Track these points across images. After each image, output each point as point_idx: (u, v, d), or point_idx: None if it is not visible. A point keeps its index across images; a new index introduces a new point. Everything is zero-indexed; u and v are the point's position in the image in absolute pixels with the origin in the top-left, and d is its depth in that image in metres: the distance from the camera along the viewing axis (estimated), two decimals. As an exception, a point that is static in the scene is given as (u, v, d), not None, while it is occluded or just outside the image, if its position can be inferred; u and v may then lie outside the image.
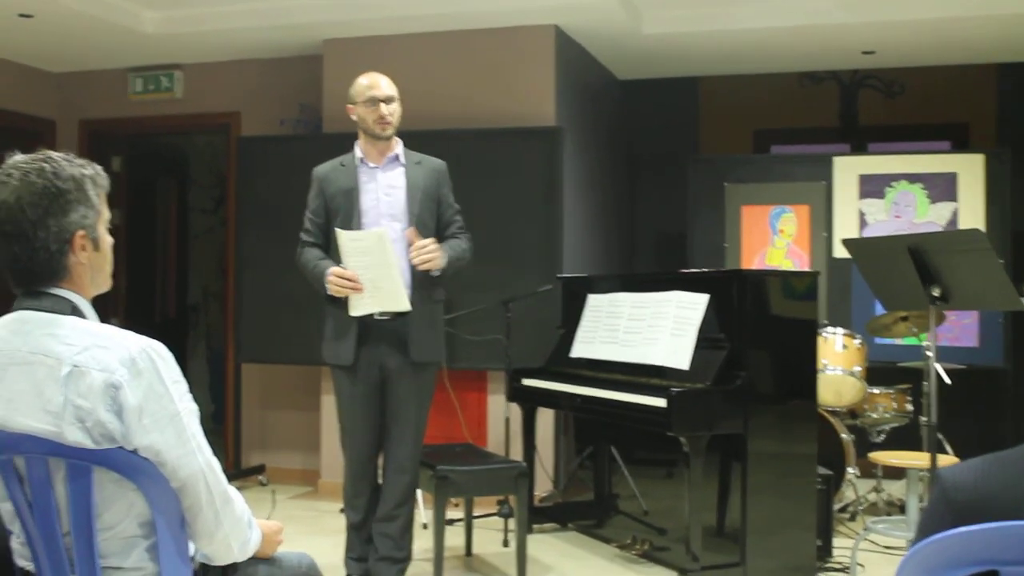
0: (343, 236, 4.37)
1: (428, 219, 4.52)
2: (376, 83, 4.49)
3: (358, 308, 4.38)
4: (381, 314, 4.41)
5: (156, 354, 2.08)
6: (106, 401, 2.01)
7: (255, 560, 2.36)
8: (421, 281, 4.43)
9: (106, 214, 2.22)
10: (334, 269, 4.38)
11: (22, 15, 6.45)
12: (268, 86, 7.54)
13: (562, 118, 6.63)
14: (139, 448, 2.04)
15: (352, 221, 4.46)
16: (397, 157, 4.56)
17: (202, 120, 7.85)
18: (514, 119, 6.53)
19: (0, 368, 2.09)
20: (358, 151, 4.57)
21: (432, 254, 4.36)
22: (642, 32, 6.79)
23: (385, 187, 4.51)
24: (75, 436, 2.02)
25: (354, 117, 4.53)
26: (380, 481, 4.63)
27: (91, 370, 2.02)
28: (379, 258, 4.28)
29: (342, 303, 4.44)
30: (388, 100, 4.46)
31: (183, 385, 2.12)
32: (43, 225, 2.09)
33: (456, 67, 6.74)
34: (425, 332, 4.47)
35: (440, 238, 4.53)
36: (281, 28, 6.80)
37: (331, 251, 4.49)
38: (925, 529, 1.59)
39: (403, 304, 4.35)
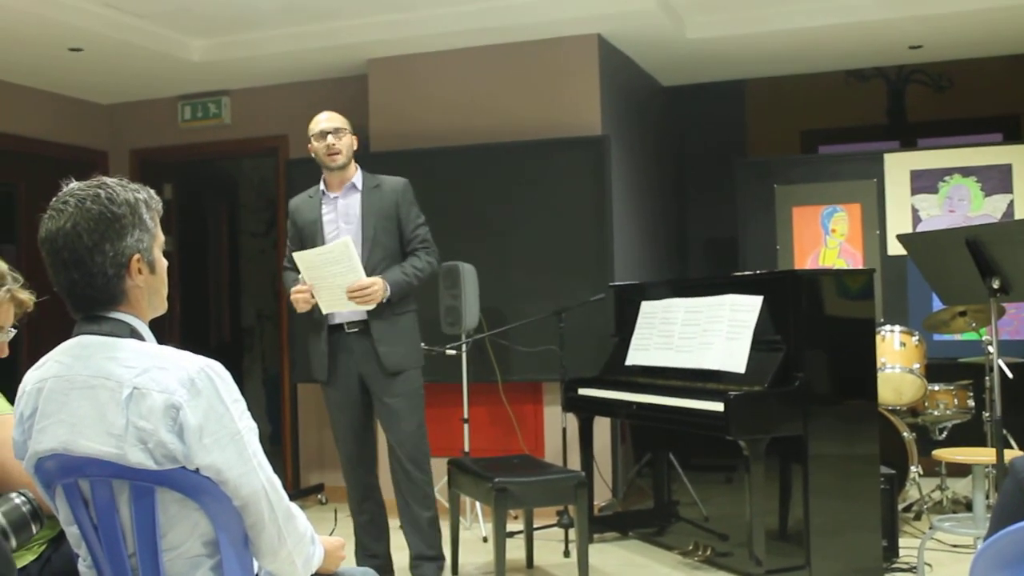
0: (307, 255, 4.67)
1: (386, 240, 4.77)
2: (321, 119, 4.84)
3: (328, 307, 4.70)
4: (350, 326, 4.74)
5: (214, 373, 2.09)
6: (167, 422, 2.02)
7: (319, 576, 2.37)
8: None
9: (161, 237, 2.24)
10: (293, 288, 4.75)
11: (72, 49, 6.56)
12: (315, 108, 7.51)
13: (608, 127, 6.62)
14: (201, 467, 2.05)
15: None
16: (354, 185, 4.82)
17: (251, 144, 7.93)
18: (560, 130, 6.53)
19: (63, 393, 2.11)
20: (322, 183, 4.87)
21: (367, 297, 4.57)
22: (685, 37, 6.76)
23: (344, 215, 4.81)
24: (137, 458, 2.03)
25: (312, 154, 4.82)
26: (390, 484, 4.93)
27: (151, 391, 2.03)
28: (347, 264, 4.55)
29: (315, 321, 4.79)
30: (334, 132, 4.76)
31: (242, 403, 2.13)
32: (100, 250, 2.11)
33: (501, 80, 6.75)
34: (392, 342, 4.73)
35: (404, 253, 4.80)
36: (325, 50, 6.86)
37: None
38: (1000, 520, 1.55)
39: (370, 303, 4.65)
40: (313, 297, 4.66)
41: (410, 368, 4.79)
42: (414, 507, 4.77)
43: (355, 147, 4.86)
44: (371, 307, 4.63)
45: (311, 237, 4.82)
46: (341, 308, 4.67)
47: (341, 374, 4.80)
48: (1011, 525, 1.51)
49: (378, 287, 4.59)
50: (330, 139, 4.75)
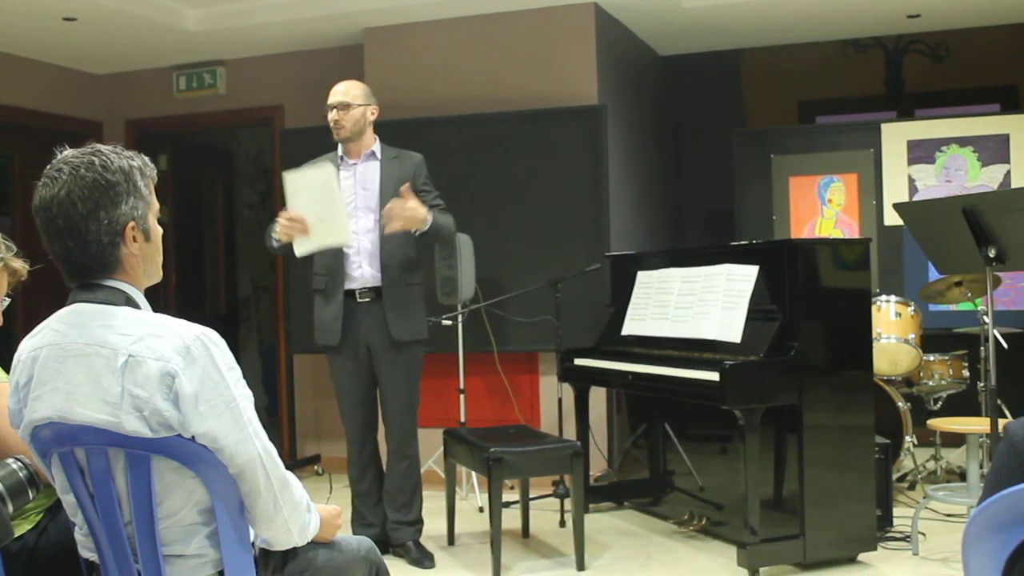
0: (290, 176, 4.62)
1: None
2: (337, 90, 4.88)
3: (302, 246, 4.63)
4: (362, 294, 4.79)
5: (210, 341, 2.09)
6: (162, 390, 2.03)
7: (314, 544, 2.37)
8: (392, 265, 4.77)
9: (155, 204, 2.23)
10: (281, 213, 4.64)
11: (66, 19, 6.52)
12: (310, 78, 7.56)
13: (605, 96, 6.60)
14: (196, 435, 2.06)
15: None
16: (373, 153, 4.92)
17: (246, 115, 7.90)
18: (557, 99, 6.51)
19: (58, 361, 2.11)
20: (340, 149, 4.93)
21: (409, 213, 4.59)
22: (682, 6, 6.72)
23: (362, 181, 4.86)
24: (133, 425, 2.03)
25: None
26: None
27: (147, 359, 2.03)
28: (325, 193, 4.52)
29: (326, 290, 4.82)
30: (340, 107, 4.83)
31: (237, 371, 2.13)
32: (94, 218, 2.10)
33: (497, 50, 6.72)
34: (401, 312, 4.82)
35: None
36: (321, 19, 6.82)
37: None
38: (994, 485, 1.55)
39: (347, 237, 4.63)
40: (302, 228, 4.56)
41: (414, 340, 4.88)
42: (396, 475, 4.91)
43: (372, 117, 4.90)
44: (406, 227, 4.62)
45: None
46: (310, 247, 4.61)
47: (350, 342, 4.86)
48: (1005, 489, 1.51)
49: (421, 208, 4.64)
50: (333, 114, 4.83)
